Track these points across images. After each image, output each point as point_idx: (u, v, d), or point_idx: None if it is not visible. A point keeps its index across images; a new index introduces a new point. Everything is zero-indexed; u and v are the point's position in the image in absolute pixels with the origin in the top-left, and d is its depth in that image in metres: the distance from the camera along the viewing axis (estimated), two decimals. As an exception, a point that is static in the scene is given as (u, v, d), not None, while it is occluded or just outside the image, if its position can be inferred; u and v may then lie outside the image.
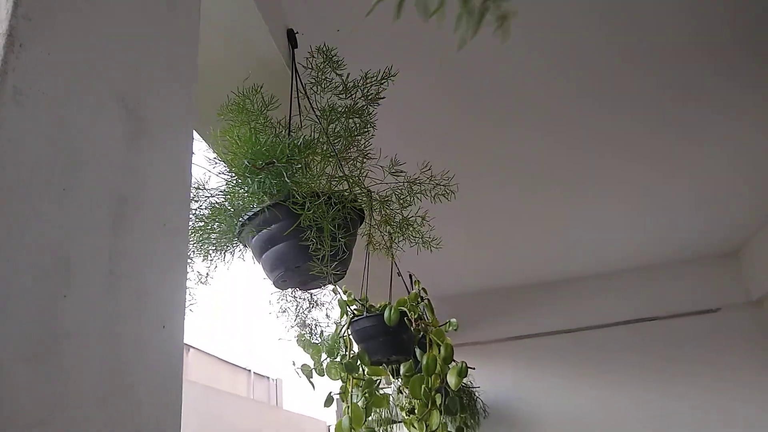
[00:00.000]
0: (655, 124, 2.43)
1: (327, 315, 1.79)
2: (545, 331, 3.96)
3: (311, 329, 1.59)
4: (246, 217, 1.04)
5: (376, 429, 2.62)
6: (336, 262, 0.96)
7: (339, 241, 0.95)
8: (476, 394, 3.49)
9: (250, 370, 13.50)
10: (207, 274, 1.20)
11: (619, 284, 3.92)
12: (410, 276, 2.39)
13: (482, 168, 2.65)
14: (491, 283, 3.97)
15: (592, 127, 2.41)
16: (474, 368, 1.79)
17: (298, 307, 1.39)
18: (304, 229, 0.94)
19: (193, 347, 11.56)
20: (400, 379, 2.07)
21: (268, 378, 14.30)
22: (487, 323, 3.94)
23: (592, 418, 3.73)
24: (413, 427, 1.83)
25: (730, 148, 2.66)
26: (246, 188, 0.97)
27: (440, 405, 1.67)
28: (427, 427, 1.66)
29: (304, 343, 1.81)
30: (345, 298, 1.83)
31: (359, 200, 1.06)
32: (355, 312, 1.83)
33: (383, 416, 3.19)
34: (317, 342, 1.80)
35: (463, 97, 2.07)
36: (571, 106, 2.24)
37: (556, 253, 3.64)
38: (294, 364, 1.78)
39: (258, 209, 1.02)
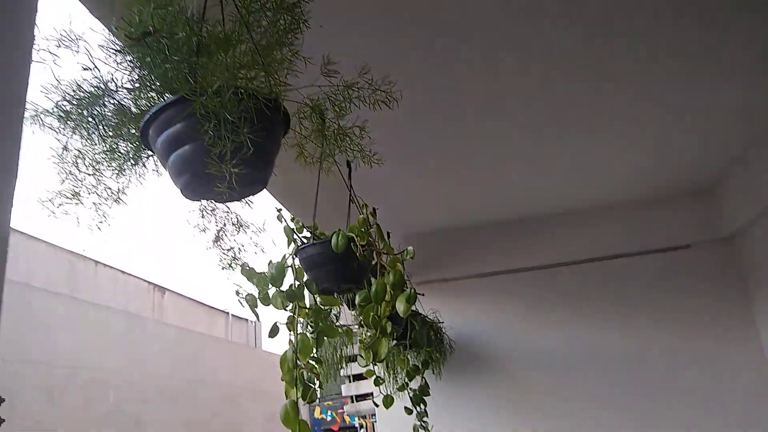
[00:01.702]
0: (632, 60, 2.32)
1: (273, 242, 1.68)
2: (513, 269, 3.92)
3: (235, 254, 1.48)
4: (148, 115, 0.91)
5: (331, 362, 2.57)
6: (241, 164, 0.84)
7: (243, 135, 0.82)
8: (443, 329, 3.46)
9: (228, 313, 13.55)
10: (119, 190, 1.07)
11: (590, 221, 3.87)
12: (374, 210, 2.29)
13: (448, 105, 2.52)
14: (459, 220, 3.89)
15: (568, 60, 2.28)
16: (423, 294, 1.70)
17: (222, 229, 1.28)
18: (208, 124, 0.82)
19: (169, 290, 11.53)
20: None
21: (246, 320, 14.39)
22: (455, 261, 3.88)
23: (559, 355, 3.74)
24: (360, 356, 1.76)
25: (705, 87, 2.57)
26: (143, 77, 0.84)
27: (391, 333, 1.59)
28: (375, 355, 1.59)
29: (249, 272, 1.71)
30: (292, 225, 1.72)
31: (277, 94, 0.93)
32: (304, 240, 1.73)
33: (344, 353, 3.15)
34: (262, 272, 1.71)
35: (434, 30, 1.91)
36: (547, 37, 2.11)
37: (525, 190, 3.56)
38: (238, 293, 1.68)
39: (161, 105, 0.89)
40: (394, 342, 2.70)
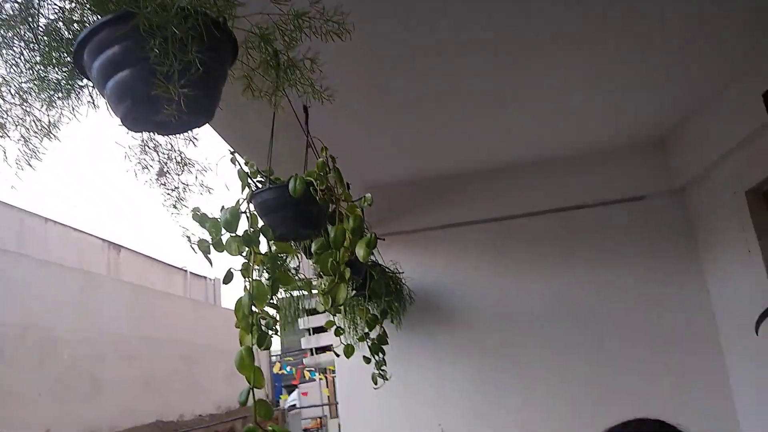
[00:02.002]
0: (588, 12, 2.29)
1: (226, 186, 1.62)
2: (473, 220, 3.93)
3: (180, 194, 1.42)
4: (82, 37, 0.83)
5: (289, 314, 2.55)
6: (189, 86, 0.78)
7: (191, 54, 0.76)
8: (403, 280, 3.47)
9: (186, 270, 13.37)
10: (51, 123, 0.99)
11: (547, 173, 3.90)
12: (332, 158, 2.23)
13: (406, 57, 2.46)
14: (418, 172, 3.86)
15: (523, 9, 2.23)
16: (384, 239, 1.68)
17: (165, 167, 1.21)
18: (153, 48, 0.75)
19: (125, 247, 11.27)
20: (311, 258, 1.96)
21: (205, 278, 14.24)
22: (414, 213, 3.87)
23: (516, 305, 3.80)
24: (319, 302, 1.74)
25: (659, 38, 2.57)
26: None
27: (349, 279, 1.57)
28: (333, 301, 1.57)
29: (201, 217, 1.65)
30: (247, 169, 1.66)
31: (225, 16, 0.86)
32: (259, 185, 1.67)
33: (303, 306, 3.14)
34: (215, 216, 1.65)
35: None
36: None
37: (486, 141, 3.54)
38: (189, 239, 1.62)
39: (96, 25, 0.81)
40: (354, 292, 2.69)
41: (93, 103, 0.96)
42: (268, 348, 1.53)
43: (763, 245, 3.03)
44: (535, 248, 3.88)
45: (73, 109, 0.95)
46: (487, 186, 3.93)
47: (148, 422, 8.68)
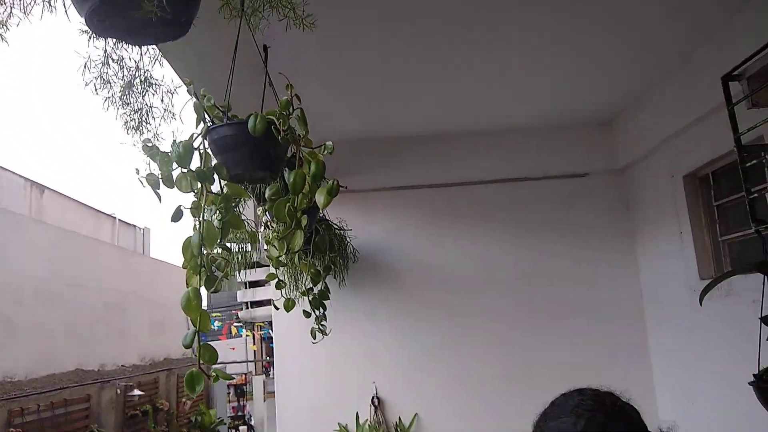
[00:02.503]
0: None
1: (179, 118, 1.53)
2: (422, 184, 3.94)
3: (143, 116, 1.32)
4: None
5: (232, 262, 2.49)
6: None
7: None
8: (348, 238, 3.45)
9: (115, 217, 12.84)
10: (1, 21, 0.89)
11: (497, 143, 3.93)
12: (297, 97, 2.15)
13: (362, 19, 2.40)
14: (369, 133, 3.81)
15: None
16: (345, 187, 1.64)
17: (129, 84, 1.12)
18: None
19: (49, 188, 10.67)
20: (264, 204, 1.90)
21: (134, 226, 13.74)
22: (365, 172, 3.83)
23: (457, 270, 3.86)
24: (273, 247, 1.69)
25: (613, 20, 2.60)
26: None
27: (305, 227, 1.53)
28: (288, 247, 1.52)
29: (151, 150, 1.55)
30: (203, 103, 1.56)
31: None
32: (215, 120, 1.59)
33: (248, 260, 3.07)
34: (166, 150, 1.56)
35: None
36: None
37: (439, 107, 3.52)
38: (138, 172, 1.52)
39: None
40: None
41: (49, 3, 0.85)
42: (216, 291, 1.47)
43: (695, 228, 3.18)
44: (478, 216, 3.93)
45: (25, 8, 0.85)
46: (437, 152, 3.93)
47: (67, 370, 8.39)
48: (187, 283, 1.46)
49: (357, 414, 3.65)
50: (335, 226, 3.20)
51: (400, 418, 3.67)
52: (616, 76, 3.24)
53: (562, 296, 3.79)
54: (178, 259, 1.47)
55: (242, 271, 3.02)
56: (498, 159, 3.93)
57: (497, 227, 3.90)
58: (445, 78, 3.09)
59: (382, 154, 3.91)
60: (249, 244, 2.77)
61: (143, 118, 1.30)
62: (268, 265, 4.22)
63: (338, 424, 3.66)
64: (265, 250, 3.50)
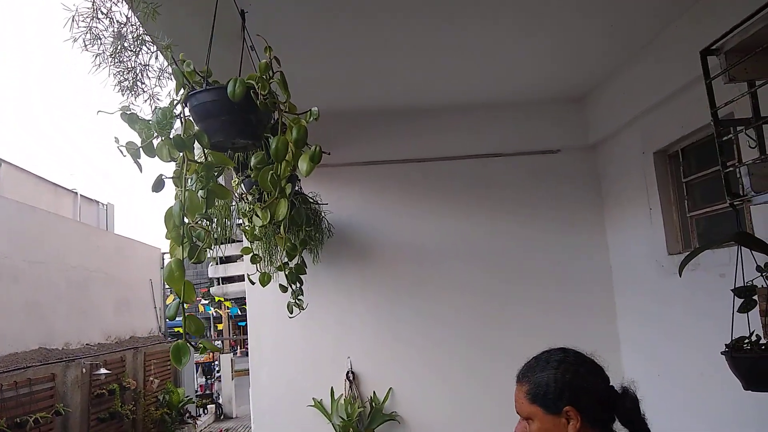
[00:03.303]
0: None
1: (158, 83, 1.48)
2: (395, 159, 3.93)
3: (137, 76, 1.27)
4: None
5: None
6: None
7: None
8: (323, 213, 3.43)
9: (76, 192, 12.48)
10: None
11: (471, 119, 3.94)
12: (276, 59, 2.10)
13: None
14: (345, 105, 3.76)
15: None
16: (329, 153, 1.61)
17: (120, 40, 1.07)
18: None
19: (6, 161, 10.30)
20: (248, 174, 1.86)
21: (97, 202, 13.40)
22: (339, 147, 3.78)
23: (430, 245, 3.87)
24: (256, 216, 1.66)
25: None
26: None
27: (290, 195, 1.50)
28: (272, 216, 1.49)
29: (130, 117, 1.50)
30: (182, 68, 1.51)
31: None
32: (195, 87, 1.54)
33: (227, 232, 3.02)
34: (146, 118, 1.51)
35: None
36: None
37: (414, 81, 3.49)
38: (117, 141, 1.47)
39: None
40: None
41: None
42: (200, 261, 1.44)
43: (664, 204, 3.25)
44: (451, 191, 3.94)
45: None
46: (411, 127, 3.91)
47: (30, 349, 8.20)
48: (170, 254, 1.43)
49: (332, 389, 3.67)
50: (311, 200, 3.17)
51: (374, 393, 3.70)
52: (589, 51, 3.25)
53: (532, 270, 3.85)
54: (144, 236, 1.44)
55: (217, 246, 2.97)
56: (471, 134, 3.94)
57: (470, 202, 3.92)
58: (419, 52, 3.07)
59: (356, 128, 3.87)
60: (224, 218, 2.72)
61: (137, 78, 1.25)
62: (241, 241, 4.18)
63: (313, 399, 3.67)
64: (239, 224, 3.46)
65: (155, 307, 12.67)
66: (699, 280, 2.86)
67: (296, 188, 2.94)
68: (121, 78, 1.23)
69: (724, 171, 1.78)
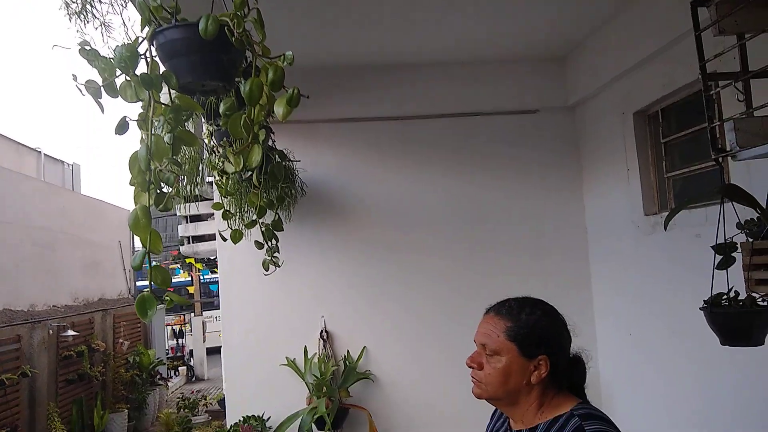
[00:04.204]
0: None
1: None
2: (372, 116, 3.84)
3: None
4: None
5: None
6: None
7: None
8: (296, 171, 3.34)
9: (40, 152, 12.06)
10: None
11: (448, 76, 3.85)
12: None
13: None
14: (320, 59, 3.64)
15: None
16: (308, 96, 1.53)
17: None
18: None
19: (-36, 118, 9.84)
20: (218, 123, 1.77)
21: (62, 162, 12.99)
22: (313, 103, 3.64)
23: (404, 205, 3.82)
24: (229, 162, 1.57)
25: None
26: None
27: (264, 141, 1.42)
28: (244, 163, 1.41)
29: (91, 53, 1.39)
30: (149, 2, 1.40)
31: None
32: (162, 23, 1.43)
33: (197, 185, 2.92)
34: (107, 55, 1.40)
35: None
36: None
37: (390, 35, 3.38)
38: (75, 78, 1.36)
39: None
40: (249, 174, 2.50)
41: None
42: (167, 209, 1.36)
43: (642, 164, 3.24)
44: (429, 150, 3.88)
45: None
46: (387, 84, 3.81)
47: (-6, 310, 7.98)
48: (135, 201, 1.34)
49: (305, 348, 3.64)
50: (286, 157, 3.07)
51: (348, 351, 3.68)
52: (570, 9, 3.18)
53: (507, 231, 3.84)
54: (111, 197, 1.34)
55: (185, 197, 2.88)
56: (449, 93, 3.86)
57: (446, 162, 3.87)
58: (398, 4, 2.96)
59: (330, 83, 3.75)
60: (193, 170, 2.62)
61: (87, 1, 1.13)
62: (211, 199, 4.06)
63: (286, 358, 3.64)
64: (209, 182, 3.36)
65: (125, 270, 12.43)
66: (675, 240, 2.88)
67: (270, 143, 2.84)
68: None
69: (710, 126, 1.75)
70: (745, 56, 1.74)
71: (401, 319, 3.75)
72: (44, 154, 12.04)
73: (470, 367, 1.45)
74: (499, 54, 3.78)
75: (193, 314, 16.62)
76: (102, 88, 1.36)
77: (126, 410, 9.56)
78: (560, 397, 1.41)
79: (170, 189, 1.36)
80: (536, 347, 1.38)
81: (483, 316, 1.50)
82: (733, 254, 1.78)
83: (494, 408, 1.60)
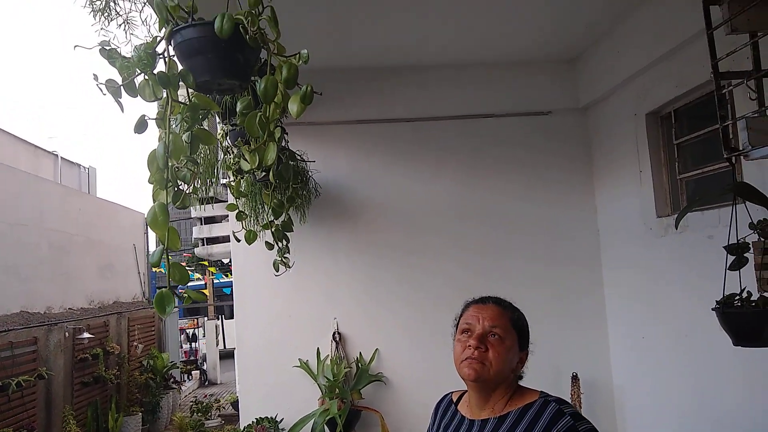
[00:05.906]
0: None
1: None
2: (384, 118, 3.85)
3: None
4: None
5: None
6: None
7: None
8: (310, 172, 3.36)
9: (57, 155, 12.22)
10: None
11: (461, 78, 3.87)
12: None
13: None
14: (334, 62, 3.67)
15: None
16: (321, 93, 1.55)
17: None
18: None
19: (-17, 123, 10.00)
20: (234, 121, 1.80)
21: (79, 165, 13.14)
22: (327, 105, 3.69)
23: (418, 206, 3.83)
24: (244, 160, 1.60)
25: None
26: None
27: (279, 140, 1.44)
28: (260, 160, 1.44)
29: (110, 54, 1.42)
30: (166, 2, 1.43)
31: None
32: (179, 23, 1.46)
33: (213, 183, 2.96)
34: (127, 55, 1.43)
35: None
36: None
37: (404, 37, 3.40)
38: (96, 78, 1.40)
39: None
40: (263, 174, 2.53)
41: None
42: (184, 206, 1.38)
43: (654, 166, 3.23)
44: (440, 152, 3.89)
45: None
46: (400, 85, 3.83)
47: (11, 312, 8.08)
48: (153, 198, 1.37)
49: (318, 350, 3.65)
50: (299, 157, 3.10)
51: (360, 353, 3.69)
52: (582, 10, 3.19)
53: (519, 234, 3.83)
54: (126, 200, 1.37)
55: (202, 195, 2.92)
56: (462, 95, 3.87)
57: (457, 164, 3.87)
58: (410, 7, 2.98)
59: (343, 85, 3.78)
60: (210, 169, 2.66)
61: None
62: (226, 200, 4.10)
63: (299, 359, 3.66)
64: (224, 184, 3.39)
65: (139, 273, 12.54)
66: (687, 242, 2.86)
67: (283, 143, 2.87)
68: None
69: (722, 125, 1.75)
70: (758, 55, 1.74)
71: (413, 321, 3.75)
72: (61, 157, 12.19)
73: (477, 348, 1.50)
74: (510, 56, 3.79)
75: (206, 318, 16.72)
76: (122, 87, 1.40)
77: (140, 413, 9.63)
78: (522, 389, 1.53)
79: (187, 187, 1.39)
80: (526, 341, 1.55)
81: (475, 305, 1.62)
82: (745, 255, 1.77)
83: (434, 407, 1.72)
